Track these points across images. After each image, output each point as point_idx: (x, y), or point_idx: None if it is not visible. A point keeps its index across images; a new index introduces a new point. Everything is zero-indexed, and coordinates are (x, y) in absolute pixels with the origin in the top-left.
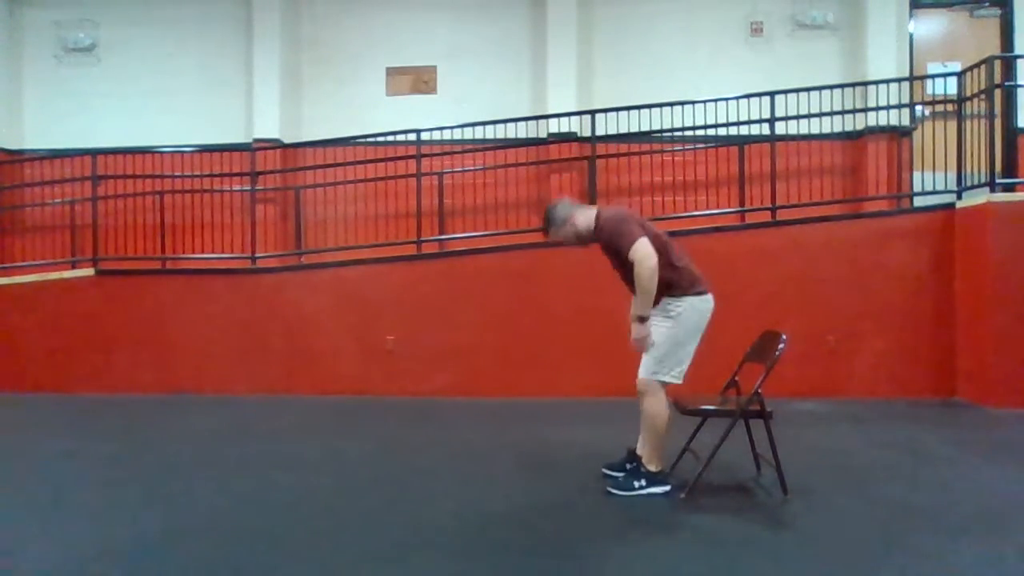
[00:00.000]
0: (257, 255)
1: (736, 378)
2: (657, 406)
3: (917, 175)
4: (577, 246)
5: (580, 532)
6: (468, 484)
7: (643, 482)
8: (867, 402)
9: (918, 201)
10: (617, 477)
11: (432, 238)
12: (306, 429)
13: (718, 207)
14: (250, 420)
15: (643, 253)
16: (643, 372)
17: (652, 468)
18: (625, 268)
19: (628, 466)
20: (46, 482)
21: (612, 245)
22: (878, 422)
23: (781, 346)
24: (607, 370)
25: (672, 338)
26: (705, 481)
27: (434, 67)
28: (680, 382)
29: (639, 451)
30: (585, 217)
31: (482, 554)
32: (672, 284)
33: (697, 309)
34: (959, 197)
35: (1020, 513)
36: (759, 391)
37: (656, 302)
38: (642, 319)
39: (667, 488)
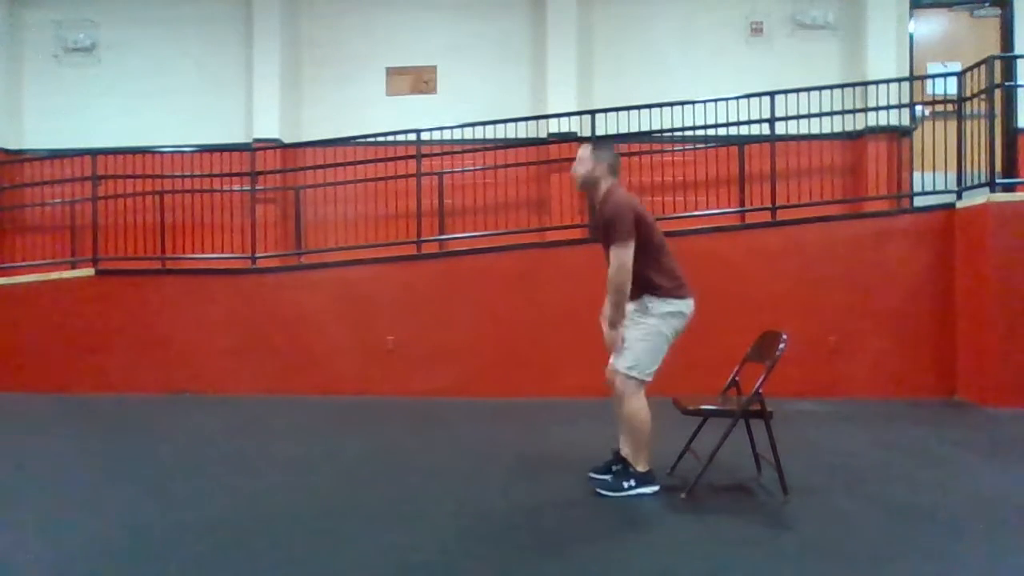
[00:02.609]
0: (257, 255)
1: (736, 378)
2: (638, 406)
3: (917, 175)
4: (576, 182)
5: (580, 532)
6: (468, 484)
7: (632, 482)
8: (867, 402)
9: (918, 201)
10: (605, 479)
11: (432, 238)
12: (306, 429)
13: (718, 207)
14: (250, 420)
15: (621, 262)
16: (620, 366)
17: (640, 468)
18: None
19: (614, 468)
20: (45, 482)
21: (605, 226)
22: (878, 422)
23: (781, 346)
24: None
25: (655, 336)
26: (705, 481)
27: (434, 67)
28: (650, 381)
29: (623, 452)
30: (605, 181)
31: (482, 554)
32: (656, 285)
33: (683, 313)
34: (959, 197)
35: (1020, 513)
36: (759, 391)
37: (637, 298)
38: (612, 324)
39: (656, 488)
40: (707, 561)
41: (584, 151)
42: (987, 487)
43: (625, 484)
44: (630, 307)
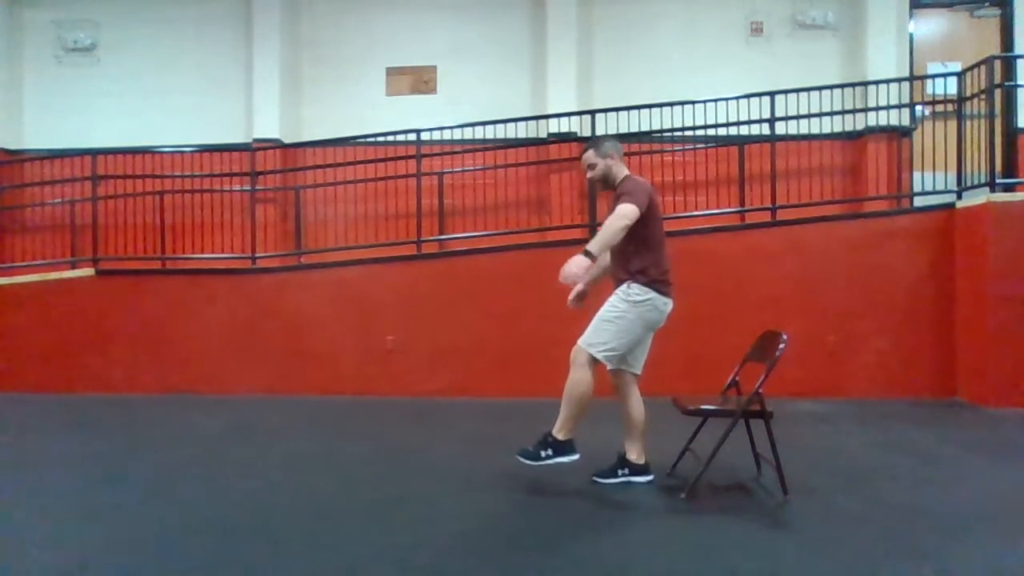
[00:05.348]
0: (257, 255)
1: (736, 378)
2: (580, 378)
3: (917, 175)
4: (596, 183)
5: (580, 532)
6: (468, 484)
7: (550, 451)
8: (867, 402)
9: (918, 201)
10: (610, 483)
11: (432, 238)
12: (306, 429)
13: (718, 207)
14: (250, 420)
15: (626, 211)
16: (582, 340)
17: (560, 436)
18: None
19: (620, 471)
20: (46, 482)
21: (616, 200)
22: (878, 422)
23: (781, 346)
24: (606, 370)
25: (626, 323)
26: (705, 481)
27: (434, 67)
28: (610, 367)
29: (629, 456)
30: (619, 168)
31: (482, 554)
32: (645, 271)
33: (658, 308)
34: (959, 197)
35: (1021, 513)
36: (759, 391)
37: (623, 283)
38: (588, 255)
39: (574, 457)
40: (707, 561)
41: (589, 154)
42: (987, 487)
43: (543, 453)
44: (617, 291)
